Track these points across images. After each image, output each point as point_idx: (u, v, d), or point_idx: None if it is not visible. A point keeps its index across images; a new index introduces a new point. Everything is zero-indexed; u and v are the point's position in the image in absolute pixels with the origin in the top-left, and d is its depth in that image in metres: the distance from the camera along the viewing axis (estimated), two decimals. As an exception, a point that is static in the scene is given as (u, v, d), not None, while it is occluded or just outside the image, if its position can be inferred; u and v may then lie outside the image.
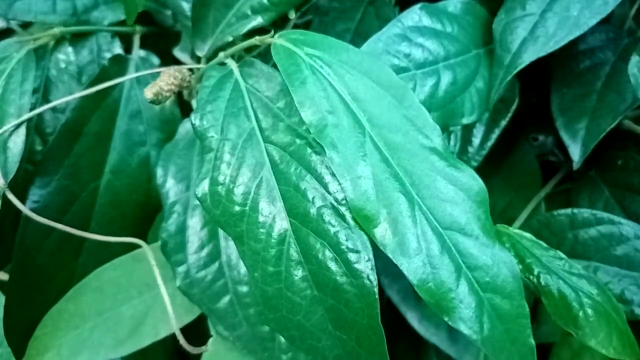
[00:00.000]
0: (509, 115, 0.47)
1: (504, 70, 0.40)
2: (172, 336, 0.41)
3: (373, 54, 0.38)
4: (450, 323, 0.28)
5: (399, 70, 0.39)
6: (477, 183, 0.31)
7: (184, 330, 0.42)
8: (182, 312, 0.43)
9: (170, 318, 0.39)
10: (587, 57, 0.47)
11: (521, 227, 0.46)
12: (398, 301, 0.45)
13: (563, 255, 0.38)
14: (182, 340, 0.38)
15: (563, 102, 0.46)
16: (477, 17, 0.43)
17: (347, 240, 0.29)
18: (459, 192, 0.30)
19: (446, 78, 0.40)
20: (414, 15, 0.40)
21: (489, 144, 0.47)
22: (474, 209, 0.30)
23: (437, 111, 0.39)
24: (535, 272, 0.37)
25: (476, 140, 0.48)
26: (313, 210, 0.30)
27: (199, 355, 0.42)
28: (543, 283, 0.37)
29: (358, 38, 0.49)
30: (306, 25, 0.51)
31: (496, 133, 0.47)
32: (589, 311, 0.36)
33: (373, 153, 0.30)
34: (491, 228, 0.30)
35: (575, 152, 0.44)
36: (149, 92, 0.35)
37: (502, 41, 0.41)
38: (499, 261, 0.30)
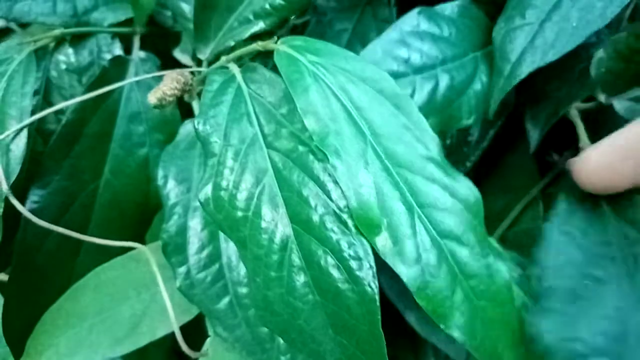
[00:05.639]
0: (505, 114, 0.47)
1: (504, 80, 0.40)
2: (170, 336, 0.41)
3: (372, 59, 0.39)
4: (445, 329, 0.29)
5: (398, 75, 0.39)
6: (473, 193, 0.31)
7: (181, 330, 0.42)
8: (180, 312, 0.43)
9: (171, 318, 0.39)
10: (575, 57, 0.47)
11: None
12: (397, 301, 0.45)
13: None
14: (182, 343, 0.38)
15: (535, 96, 0.45)
16: (474, 19, 0.43)
17: (349, 247, 0.29)
18: (456, 202, 0.31)
19: (444, 82, 0.40)
20: (412, 20, 0.41)
21: (485, 144, 0.47)
22: (470, 219, 0.31)
23: (435, 116, 0.40)
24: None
25: (472, 140, 0.48)
26: (315, 217, 0.30)
27: (198, 355, 0.42)
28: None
29: (355, 38, 0.49)
30: (304, 25, 0.51)
31: (491, 133, 0.47)
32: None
33: (374, 161, 0.30)
34: (485, 238, 0.31)
35: (534, 136, 0.44)
36: (152, 97, 0.35)
37: (502, 50, 0.40)
38: (493, 270, 0.30)
